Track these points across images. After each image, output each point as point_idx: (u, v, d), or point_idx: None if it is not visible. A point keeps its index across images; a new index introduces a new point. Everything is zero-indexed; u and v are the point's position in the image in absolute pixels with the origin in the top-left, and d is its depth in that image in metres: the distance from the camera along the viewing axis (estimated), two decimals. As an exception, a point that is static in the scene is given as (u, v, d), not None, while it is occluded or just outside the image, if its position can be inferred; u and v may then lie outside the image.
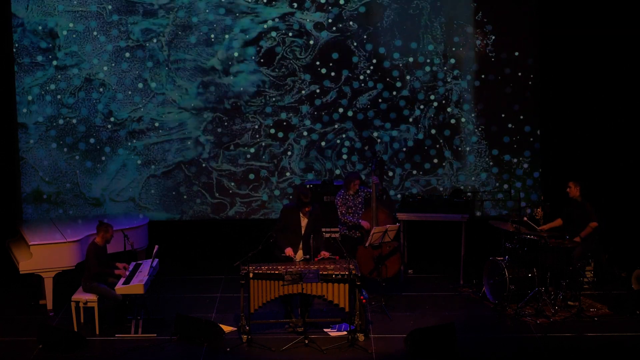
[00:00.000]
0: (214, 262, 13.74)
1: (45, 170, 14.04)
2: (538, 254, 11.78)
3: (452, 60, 13.98)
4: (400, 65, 13.99)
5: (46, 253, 11.80)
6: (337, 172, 14.09)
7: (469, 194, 13.49)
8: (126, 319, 11.29)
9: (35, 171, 14.03)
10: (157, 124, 14.07)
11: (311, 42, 13.97)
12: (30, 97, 13.95)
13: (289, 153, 14.13)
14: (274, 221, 13.75)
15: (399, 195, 13.90)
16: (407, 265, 13.31)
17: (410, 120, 14.06)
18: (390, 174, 14.09)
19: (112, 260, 11.60)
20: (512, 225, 11.92)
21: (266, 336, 10.99)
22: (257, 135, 14.11)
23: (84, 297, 11.20)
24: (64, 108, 13.99)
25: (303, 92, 14.05)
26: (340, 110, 14.07)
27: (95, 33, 13.90)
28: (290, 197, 14.04)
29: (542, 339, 10.88)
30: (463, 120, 14.06)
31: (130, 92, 14.01)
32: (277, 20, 13.94)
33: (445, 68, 13.99)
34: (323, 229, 11.51)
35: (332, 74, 14.01)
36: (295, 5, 13.92)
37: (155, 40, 13.94)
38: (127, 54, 13.95)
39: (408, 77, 14.01)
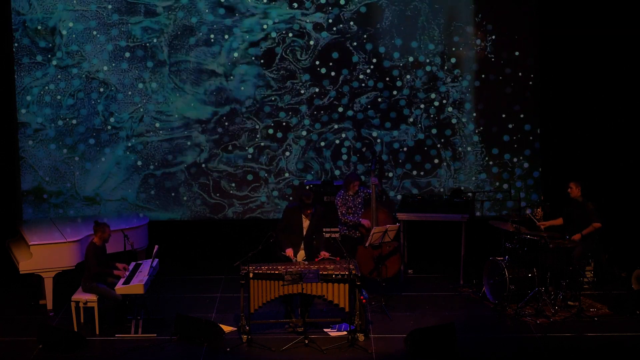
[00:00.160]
0: (214, 262, 13.74)
1: (45, 171, 14.03)
2: (538, 254, 11.78)
3: (453, 60, 13.97)
4: (400, 65, 13.99)
5: (46, 253, 11.80)
6: (337, 172, 14.08)
7: (469, 194, 13.49)
8: (126, 319, 11.29)
9: (35, 171, 14.02)
10: (157, 125, 14.07)
11: (311, 42, 13.97)
12: (29, 97, 13.95)
13: (288, 153, 14.12)
14: (273, 221, 13.75)
15: (398, 196, 13.89)
16: (407, 265, 13.31)
17: (410, 120, 14.06)
18: (390, 174, 14.09)
19: (112, 260, 11.60)
20: (512, 225, 11.92)
21: (266, 336, 10.99)
22: (257, 136, 14.10)
23: (84, 297, 11.20)
24: (63, 108, 13.99)
25: (302, 92, 14.04)
26: (340, 110, 14.07)
27: (94, 32, 13.89)
28: (290, 198, 14.04)
29: (542, 339, 10.88)
30: (464, 120, 14.06)
31: (130, 93, 14.01)
32: (277, 20, 13.94)
33: (445, 68, 13.98)
34: (323, 229, 11.52)
35: (332, 73, 14.00)
36: (295, 5, 13.91)
37: (155, 40, 13.93)
38: (127, 54, 13.94)
39: (408, 77, 14.01)
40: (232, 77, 14.02)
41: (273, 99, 14.07)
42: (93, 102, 14.00)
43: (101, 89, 13.98)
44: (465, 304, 12.18)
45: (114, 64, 13.96)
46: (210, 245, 14.07)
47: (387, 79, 14.02)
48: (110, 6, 13.86)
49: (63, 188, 14.06)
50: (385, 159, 14.06)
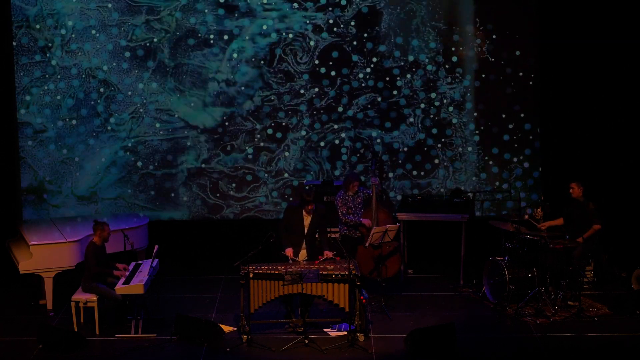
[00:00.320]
0: (214, 262, 13.74)
1: (45, 171, 14.03)
2: (538, 254, 11.78)
3: (454, 59, 13.96)
4: (400, 64, 13.98)
5: (46, 253, 11.80)
6: (337, 172, 14.08)
7: (469, 194, 13.48)
8: (126, 319, 11.29)
9: (35, 171, 14.02)
10: (157, 125, 14.06)
11: (311, 43, 13.97)
12: (29, 97, 13.94)
13: (287, 154, 14.12)
14: (273, 221, 13.78)
15: (398, 197, 13.89)
16: (407, 265, 13.31)
17: (410, 120, 14.06)
18: (391, 174, 14.09)
19: (112, 260, 11.60)
20: (512, 225, 11.92)
21: (266, 336, 10.99)
22: (256, 137, 14.10)
23: (84, 297, 11.20)
24: (63, 109, 13.99)
25: (302, 92, 14.04)
26: (340, 110, 14.07)
27: (93, 32, 13.88)
28: (290, 198, 14.03)
29: (542, 339, 10.88)
30: (464, 120, 14.06)
31: (130, 93, 14.01)
32: (277, 21, 13.94)
33: (446, 67, 13.98)
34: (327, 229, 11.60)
35: (332, 73, 14.00)
36: (295, 6, 13.91)
37: (155, 40, 13.93)
38: (128, 54, 13.94)
39: (408, 77, 14.01)
40: (232, 78, 14.02)
41: (272, 99, 14.06)
42: (93, 102, 14.00)
43: (101, 89, 13.98)
44: (465, 304, 12.18)
45: (114, 64, 13.95)
46: (210, 245, 14.07)
47: (387, 78, 14.02)
48: (110, 5, 13.85)
49: (63, 188, 14.06)
50: (385, 159, 14.05)
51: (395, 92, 14.03)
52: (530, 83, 13.99)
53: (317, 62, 13.99)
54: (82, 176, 14.07)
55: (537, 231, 11.88)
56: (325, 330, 11.19)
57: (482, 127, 14.08)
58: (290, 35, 13.95)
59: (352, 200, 12.17)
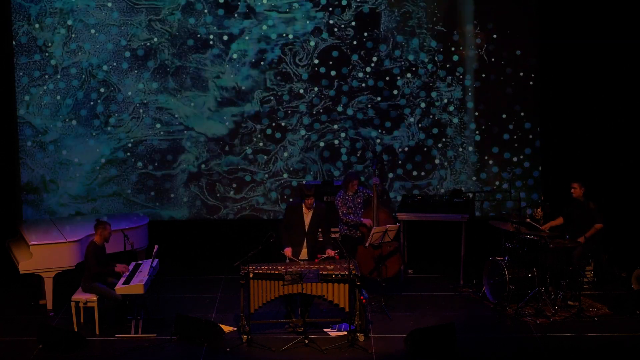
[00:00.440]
0: (214, 262, 13.74)
1: (45, 171, 14.02)
2: (538, 254, 11.78)
3: (455, 57, 13.95)
4: (401, 64, 13.98)
5: (46, 253, 11.80)
6: (336, 173, 14.08)
7: (469, 194, 13.49)
8: (126, 319, 11.29)
9: (34, 172, 14.02)
10: (157, 125, 14.06)
11: (311, 43, 13.96)
12: (28, 97, 13.94)
13: (286, 154, 14.12)
14: (273, 221, 13.78)
15: (398, 197, 13.89)
16: (407, 265, 13.30)
17: (411, 120, 14.06)
18: (390, 175, 14.09)
19: (112, 260, 11.60)
20: (512, 225, 11.91)
21: (266, 336, 10.99)
22: (255, 137, 14.10)
23: (84, 297, 11.20)
24: (62, 109, 13.98)
25: (301, 92, 14.04)
26: (339, 110, 14.06)
27: (93, 31, 13.87)
28: (290, 199, 14.03)
29: (542, 339, 10.88)
30: (464, 120, 14.05)
31: (130, 93, 14.00)
32: (276, 21, 13.93)
33: (447, 66, 13.97)
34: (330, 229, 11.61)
35: (332, 72, 13.99)
36: (296, 6, 13.91)
37: (156, 40, 13.93)
38: (128, 54, 13.94)
39: (408, 76, 14.01)
40: (231, 78, 14.01)
41: (271, 99, 14.06)
42: (92, 102, 14.00)
43: (101, 89, 13.97)
44: (465, 304, 12.18)
45: (114, 63, 13.95)
46: (210, 245, 14.07)
47: (387, 78, 14.01)
48: (110, 4, 13.84)
49: (62, 188, 14.05)
50: (385, 159, 14.05)
51: (395, 92, 14.03)
52: (531, 83, 13.99)
53: (316, 61, 13.99)
54: (82, 176, 14.07)
55: (537, 231, 11.87)
56: (325, 330, 11.19)
57: (482, 127, 14.08)
58: (290, 36, 13.95)
59: (352, 200, 12.17)
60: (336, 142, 14.10)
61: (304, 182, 13.97)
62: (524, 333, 11.07)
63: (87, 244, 11.45)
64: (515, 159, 14.10)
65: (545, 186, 14.00)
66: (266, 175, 14.15)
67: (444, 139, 14.09)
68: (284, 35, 13.95)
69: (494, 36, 13.94)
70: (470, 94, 14.04)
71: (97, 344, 10.92)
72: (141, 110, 14.03)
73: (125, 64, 13.95)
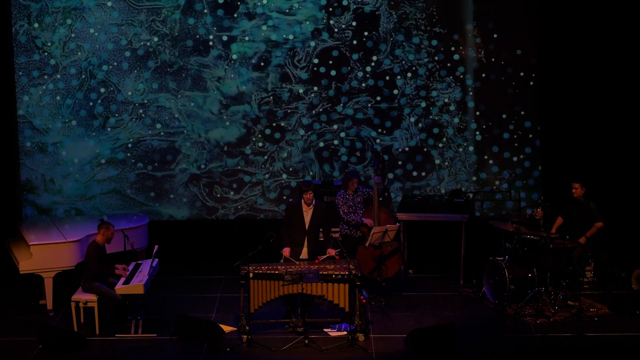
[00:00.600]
0: (214, 262, 13.74)
1: (45, 171, 14.02)
2: (538, 254, 11.78)
3: (455, 57, 13.94)
4: (401, 63, 13.97)
5: (46, 253, 11.80)
6: (336, 173, 14.08)
7: (469, 194, 13.49)
8: (126, 319, 11.29)
9: (34, 172, 14.01)
10: (158, 126, 14.06)
11: (311, 44, 13.96)
12: (27, 98, 13.93)
13: (286, 154, 14.12)
14: (273, 221, 13.78)
15: (398, 198, 13.89)
16: (407, 265, 13.30)
17: (411, 120, 14.05)
18: (390, 175, 14.08)
19: (112, 260, 11.60)
20: (512, 225, 11.92)
21: (266, 336, 10.99)
22: (255, 137, 14.09)
23: (84, 297, 11.20)
24: (62, 109, 13.98)
25: (301, 92, 14.03)
26: (339, 110, 14.06)
27: (92, 30, 13.86)
28: (290, 200, 14.03)
29: (542, 339, 10.88)
30: (465, 119, 14.05)
31: (130, 93, 14.00)
32: (276, 22, 13.93)
33: (448, 65, 13.96)
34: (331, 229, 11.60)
35: (332, 72, 13.99)
36: (296, 6, 13.90)
37: (156, 40, 13.92)
38: (128, 53, 13.94)
39: (409, 75, 14.00)
40: (231, 78, 14.01)
41: (271, 99, 14.06)
42: (92, 102, 13.99)
43: (101, 89, 13.97)
44: (465, 304, 12.18)
45: (115, 63, 13.95)
46: (210, 245, 14.07)
47: (387, 77, 14.01)
48: (110, 3, 13.84)
49: (62, 189, 14.05)
50: (386, 159, 14.04)
51: (395, 92, 14.02)
52: (531, 83, 13.98)
53: (316, 61, 13.98)
54: (82, 177, 14.06)
55: (537, 231, 11.88)
56: (325, 330, 11.19)
57: (482, 127, 14.07)
58: (290, 37, 13.95)
59: (352, 199, 12.17)
60: (335, 142, 14.10)
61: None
62: (524, 333, 11.07)
63: (89, 244, 11.45)
64: (515, 159, 14.10)
65: (545, 186, 14.00)
66: (266, 176, 14.15)
67: (444, 139, 14.09)
68: (284, 35, 13.95)
69: (495, 35, 13.94)
70: (470, 93, 14.03)
71: (97, 344, 10.91)
72: (141, 111, 14.03)
73: (126, 64, 13.95)
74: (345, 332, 10.96)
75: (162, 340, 10.91)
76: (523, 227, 11.94)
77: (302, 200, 11.30)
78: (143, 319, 11.19)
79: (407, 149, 14.09)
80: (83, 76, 13.93)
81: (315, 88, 14.03)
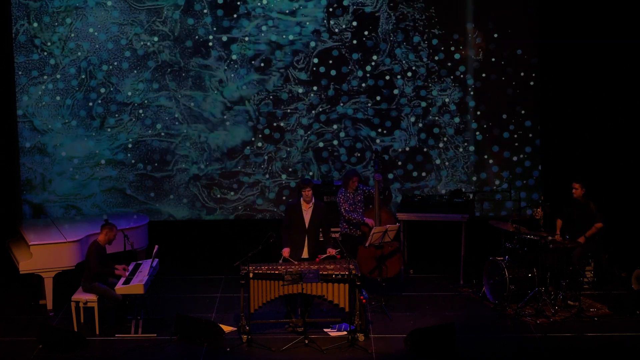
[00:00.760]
0: (214, 262, 13.74)
1: (44, 172, 14.01)
2: (538, 254, 11.78)
3: (456, 56, 13.94)
4: (401, 63, 13.97)
5: (46, 253, 11.80)
6: (335, 174, 14.07)
7: (469, 194, 13.49)
8: (126, 319, 11.29)
9: (34, 172, 14.01)
10: (158, 126, 14.06)
11: (311, 44, 13.95)
12: (26, 98, 13.93)
13: (285, 154, 14.12)
14: (273, 221, 13.78)
15: (398, 198, 13.88)
16: (407, 265, 13.30)
17: (411, 120, 14.05)
18: (390, 176, 14.08)
19: (112, 260, 11.60)
20: (512, 225, 11.92)
21: (266, 336, 10.99)
22: (255, 137, 14.09)
23: (84, 297, 11.20)
24: (62, 109, 13.97)
25: (300, 92, 14.03)
26: (339, 110, 14.06)
27: (91, 30, 13.85)
28: (289, 200, 14.03)
29: (542, 339, 10.88)
30: (465, 119, 14.05)
31: (130, 93, 14.00)
32: (276, 22, 13.93)
33: (449, 64, 13.95)
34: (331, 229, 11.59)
35: (332, 72, 13.99)
36: (295, 7, 13.90)
37: (156, 39, 13.92)
38: (128, 53, 13.93)
39: (409, 75, 14.00)
40: (231, 78, 14.01)
41: (270, 100, 14.05)
42: (92, 102, 13.99)
43: (101, 90, 13.96)
44: (465, 304, 12.18)
45: (115, 63, 13.94)
46: (210, 245, 14.07)
47: (387, 77, 14.01)
48: (109, 3, 13.83)
49: (62, 189, 14.05)
50: (387, 158, 14.04)
51: (395, 92, 14.02)
52: (531, 83, 13.98)
53: (315, 60, 13.98)
54: (81, 177, 14.06)
55: (537, 231, 11.88)
56: (325, 330, 11.19)
57: (483, 127, 14.07)
58: (291, 37, 13.95)
59: (353, 197, 12.18)
60: (335, 142, 14.10)
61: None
62: (524, 333, 11.07)
63: (90, 243, 11.45)
64: (515, 158, 14.10)
65: (545, 186, 14.00)
66: (266, 176, 14.15)
67: (444, 139, 14.08)
68: (284, 36, 13.94)
69: (495, 35, 13.93)
70: (472, 93, 14.03)
71: (97, 344, 10.91)
72: (140, 111, 14.02)
73: (126, 64, 13.94)
74: (345, 332, 10.96)
75: (162, 340, 10.91)
76: (523, 227, 11.94)
77: (302, 199, 11.31)
78: (143, 319, 11.19)
79: (407, 149, 14.09)
80: (83, 76, 13.93)
81: (315, 88, 14.03)
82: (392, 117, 14.06)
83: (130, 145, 14.05)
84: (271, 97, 14.05)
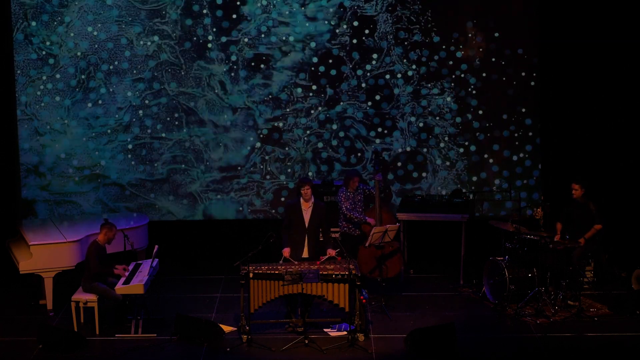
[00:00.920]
0: (214, 262, 13.74)
1: (45, 172, 14.01)
2: (538, 254, 11.78)
3: (458, 54, 13.93)
4: (401, 62, 13.97)
5: (46, 253, 11.80)
6: (334, 174, 14.07)
7: (469, 194, 13.49)
8: (126, 319, 11.30)
9: (34, 172, 14.01)
10: (158, 127, 14.06)
11: (312, 44, 13.95)
12: (25, 98, 13.92)
13: (284, 155, 14.11)
14: (273, 221, 13.78)
15: (398, 199, 13.88)
16: (407, 265, 13.30)
17: (412, 120, 14.05)
18: (391, 176, 14.08)
19: (112, 260, 11.60)
20: (512, 225, 11.92)
21: (266, 336, 10.99)
22: (255, 137, 14.09)
23: (84, 297, 11.20)
24: (62, 109, 13.97)
25: (300, 92, 14.03)
26: (339, 109, 14.06)
27: (90, 29, 13.85)
28: (288, 200, 14.03)
29: (542, 339, 10.88)
30: (465, 119, 14.05)
31: (130, 93, 14.00)
32: (276, 22, 13.93)
33: (450, 63, 13.95)
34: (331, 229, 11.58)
35: (333, 72, 13.99)
36: (295, 8, 13.90)
37: (157, 39, 13.92)
38: (128, 53, 13.93)
39: (409, 74, 14.00)
40: (232, 78, 14.01)
41: (270, 100, 14.05)
42: (92, 102, 13.99)
43: (101, 90, 13.96)
44: (465, 304, 12.18)
45: (115, 62, 13.94)
46: (210, 245, 14.07)
47: (388, 76, 14.01)
48: (109, 2, 13.82)
49: (62, 189, 14.05)
50: (387, 158, 14.05)
51: (396, 92, 14.02)
52: (532, 83, 13.98)
53: (315, 60, 13.98)
54: (81, 177, 14.05)
55: (537, 231, 11.89)
56: (325, 330, 11.19)
57: (483, 127, 14.07)
58: (291, 38, 13.94)
59: (353, 197, 12.18)
60: (334, 142, 14.10)
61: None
62: (524, 333, 11.07)
63: (90, 243, 11.45)
64: (515, 158, 14.10)
65: (545, 186, 14.01)
66: (267, 176, 14.15)
67: (444, 139, 14.08)
68: (284, 37, 13.94)
69: (495, 35, 13.93)
70: (473, 92, 14.02)
71: (97, 344, 10.92)
72: (140, 111, 14.02)
73: (126, 64, 13.94)
74: (345, 332, 10.96)
75: (162, 340, 10.91)
76: (523, 227, 11.95)
77: (301, 198, 11.30)
78: (143, 319, 11.19)
79: (407, 149, 14.09)
80: (82, 76, 13.92)
81: (314, 87, 14.03)
82: (392, 117, 14.05)
83: (130, 146, 14.05)
84: (270, 97, 14.05)
